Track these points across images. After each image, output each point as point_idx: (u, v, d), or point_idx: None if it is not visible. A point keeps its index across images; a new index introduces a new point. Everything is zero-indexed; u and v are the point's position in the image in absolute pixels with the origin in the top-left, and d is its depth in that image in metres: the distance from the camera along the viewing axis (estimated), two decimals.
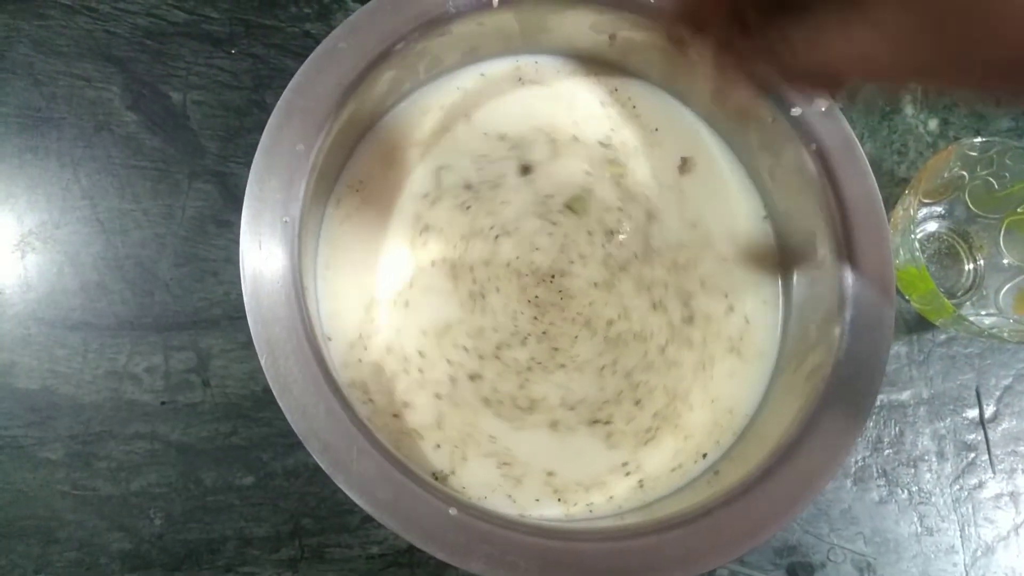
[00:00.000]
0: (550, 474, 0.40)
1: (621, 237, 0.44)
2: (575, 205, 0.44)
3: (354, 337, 0.41)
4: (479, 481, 0.40)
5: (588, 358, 0.42)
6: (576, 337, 0.43)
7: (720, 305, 0.44)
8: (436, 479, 0.39)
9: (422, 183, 0.43)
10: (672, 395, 0.42)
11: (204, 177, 0.46)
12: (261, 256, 0.34)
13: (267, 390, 0.43)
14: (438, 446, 0.40)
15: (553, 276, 0.43)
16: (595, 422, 0.41)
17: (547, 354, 0.42)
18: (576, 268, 0.43)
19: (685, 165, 0.46)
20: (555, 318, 0.43)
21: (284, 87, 0.37)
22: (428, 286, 0.42)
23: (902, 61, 0.23)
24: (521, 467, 0.40)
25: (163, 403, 0.43)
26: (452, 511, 0.32)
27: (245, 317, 0.33)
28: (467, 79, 0.45)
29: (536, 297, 0.43)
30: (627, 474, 0.41)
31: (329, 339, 0.40)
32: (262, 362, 0.33)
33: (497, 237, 0.43)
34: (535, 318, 0.43)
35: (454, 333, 0.42)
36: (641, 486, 0.40)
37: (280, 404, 0.33)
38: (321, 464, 0.32)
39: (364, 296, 0.41)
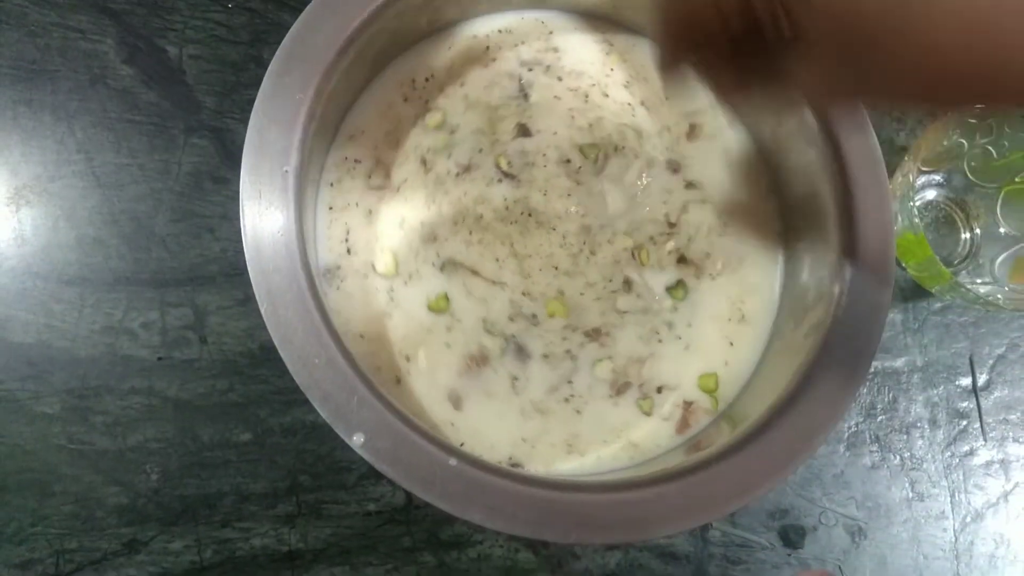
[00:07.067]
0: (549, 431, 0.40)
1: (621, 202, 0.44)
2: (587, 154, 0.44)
3: None
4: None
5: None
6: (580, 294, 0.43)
7: (720, 272, 0.44)
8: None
9: (422, 135, 0.43)
10: (672, 357, 0.42)
11: (200, 132, 0.46)
12: (261, 206, 0.34)
13: (264, 347, 0.44)
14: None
15: (555, 228, 0.43)
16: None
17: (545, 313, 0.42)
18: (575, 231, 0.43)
19: (692, 131, 0.45)
20: (551, 279, 0.43)
21: (281, 42, 0.36)
22: (429, 234, 0.42)
23: (846, 84, 0.26)
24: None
25: (160, 359, 0.43)
26: (452, 461, 0.32)
27: (242, 274, 0.33)
28: (468, 33, 0.44)
29: (531, 257, 0.43)
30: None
31: (326, 294, 0.40)
32: (263, 312, 0.33)
33: (500, 183, 0.43)
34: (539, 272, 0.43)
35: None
36: (638, 444, 0.41)
37: (281, 354, 0.33)
38: (322, 413, 0.32)
39: None
